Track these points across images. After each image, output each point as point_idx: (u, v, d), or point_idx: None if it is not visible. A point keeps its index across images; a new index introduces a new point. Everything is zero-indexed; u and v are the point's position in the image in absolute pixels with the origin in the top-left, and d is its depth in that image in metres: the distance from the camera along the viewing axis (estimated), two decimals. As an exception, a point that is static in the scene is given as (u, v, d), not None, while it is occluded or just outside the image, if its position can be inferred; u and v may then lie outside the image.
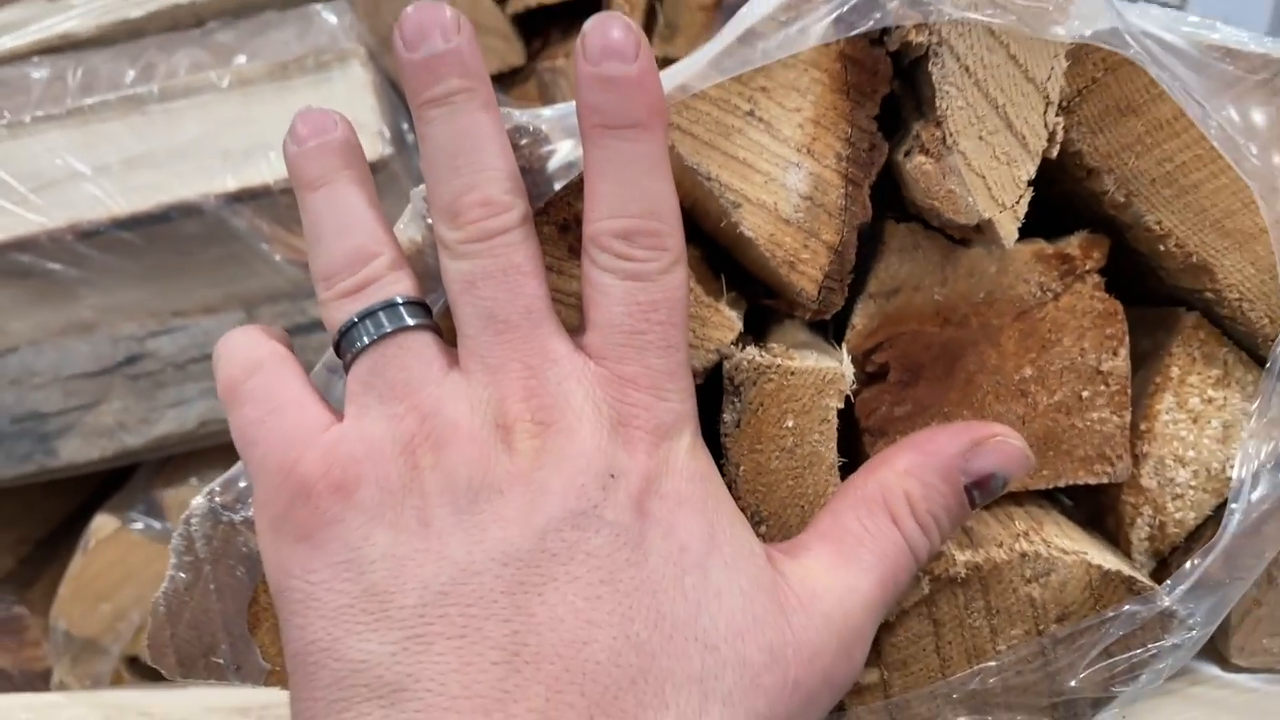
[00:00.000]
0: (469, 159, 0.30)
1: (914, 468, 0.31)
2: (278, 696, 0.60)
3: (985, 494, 0.31)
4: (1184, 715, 0.43)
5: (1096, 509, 0.37)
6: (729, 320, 0.32)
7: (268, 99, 0.64)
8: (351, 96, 0.63)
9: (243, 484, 0.32)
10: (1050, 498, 0.37)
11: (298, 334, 0.66)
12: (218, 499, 0.32)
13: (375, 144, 0.62)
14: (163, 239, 0.64)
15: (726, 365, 0.32)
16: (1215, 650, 0.44)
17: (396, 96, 0.69)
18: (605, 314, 0.30)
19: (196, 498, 0.32)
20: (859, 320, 0.34)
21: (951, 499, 0.31)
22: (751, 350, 0.31)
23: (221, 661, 0.33)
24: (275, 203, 0.63)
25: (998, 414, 0.34)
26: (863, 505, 0.31)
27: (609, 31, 0.29)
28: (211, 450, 0.70)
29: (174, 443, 0.69)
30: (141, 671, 0.72)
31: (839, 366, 0.31)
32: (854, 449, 0.34)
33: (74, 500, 0.82)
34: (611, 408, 0.30)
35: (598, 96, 0.29)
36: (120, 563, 0.70)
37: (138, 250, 0.64)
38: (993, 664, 0.33)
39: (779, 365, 0.31)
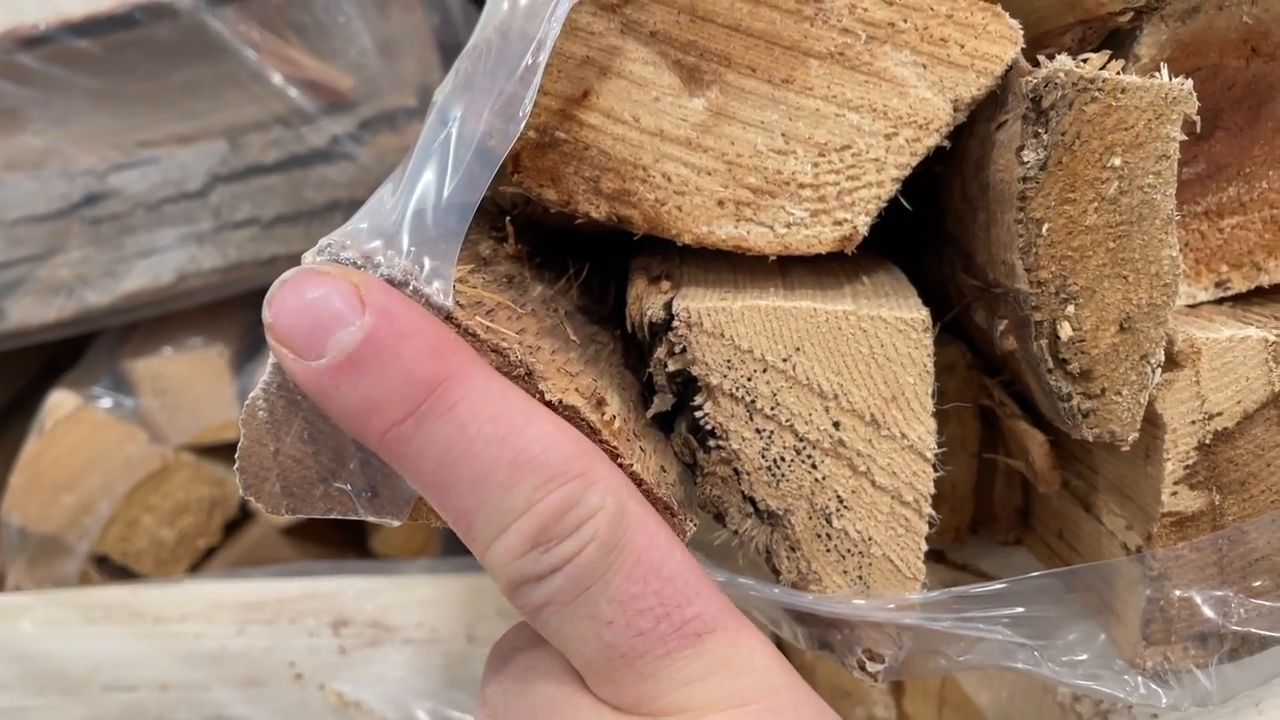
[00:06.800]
0: None
1: None
2: (296, 589, 0.52)
3: None
4: None
5: None
6: (1009, 30, 0.24)
7: None
8: None
9: (363, 225, 0.23)
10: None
11: (295, 166, 0.57)
12: (339, 247, 0.23)
13: None
14: (127, 49, 0.57)
15: (1027, 84, 0.23)
16: None
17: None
18: None
19: (306, 253, 0.23)
20: (1144, 48, 0.27)
21: None
22: (1066, 60, 0.23)
23: (347, 487, 0.25)
24: (267, 3, 0.55)
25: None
26: None
27: None
28: (191, 312, 0.61)
29: (145, 302, 0.61)
30: (112, 572, 0.66)
31: (1182, 82, 0.23)
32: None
33: (18, 379, 0.76)
34: None
35: None
36: (84, 446, 0.65)
37: (96, 63, 0.58)
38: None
39: (1105, 80, 0.23)
